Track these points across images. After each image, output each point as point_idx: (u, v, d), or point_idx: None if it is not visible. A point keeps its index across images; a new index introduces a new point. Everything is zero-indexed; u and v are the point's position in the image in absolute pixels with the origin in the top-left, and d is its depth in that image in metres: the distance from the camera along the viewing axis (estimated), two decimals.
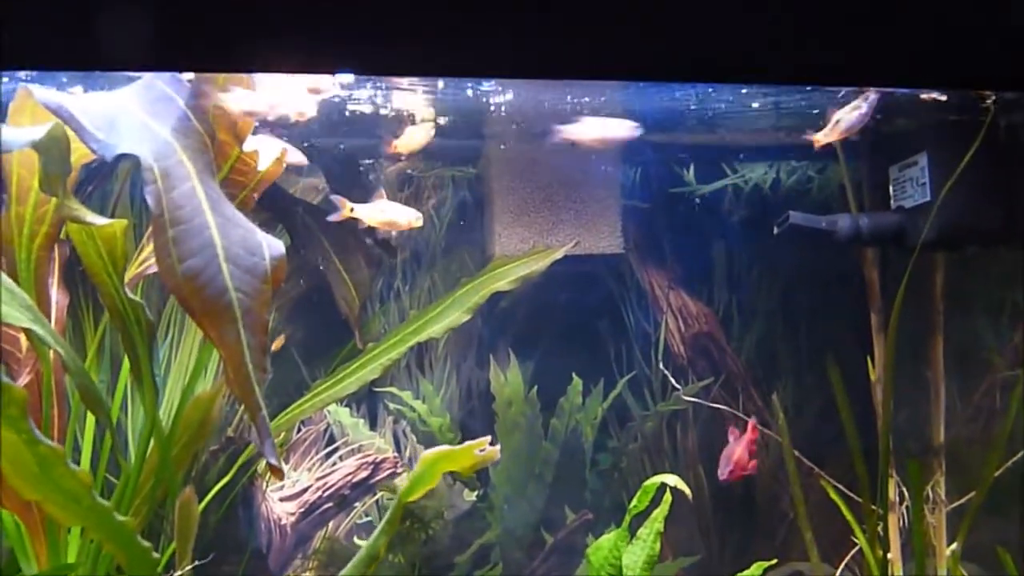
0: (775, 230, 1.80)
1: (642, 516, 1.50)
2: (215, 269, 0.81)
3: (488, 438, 1.12)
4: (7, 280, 1.10)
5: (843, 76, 1.03)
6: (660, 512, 1.49)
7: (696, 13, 0.92)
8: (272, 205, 1.92)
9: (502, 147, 2.00)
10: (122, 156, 0.90)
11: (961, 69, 1.02)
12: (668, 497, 1.49)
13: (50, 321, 1.51)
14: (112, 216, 1.92)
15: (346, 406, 2.11)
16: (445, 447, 1.13)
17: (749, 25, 0.95)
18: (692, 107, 1.75)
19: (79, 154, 1.21)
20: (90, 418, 1.60)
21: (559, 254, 1.71)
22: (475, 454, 1.11)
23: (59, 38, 0.82)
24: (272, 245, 0.86)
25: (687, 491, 1.46)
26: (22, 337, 1.48)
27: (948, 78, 1.07)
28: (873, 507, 1.87)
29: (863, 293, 1.99)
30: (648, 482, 1.46)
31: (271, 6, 0.84)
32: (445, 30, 0.86)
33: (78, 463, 1.63)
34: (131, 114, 0.99)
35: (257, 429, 0.81)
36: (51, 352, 1.38)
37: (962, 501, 2.00)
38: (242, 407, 2.08)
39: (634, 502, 1.46)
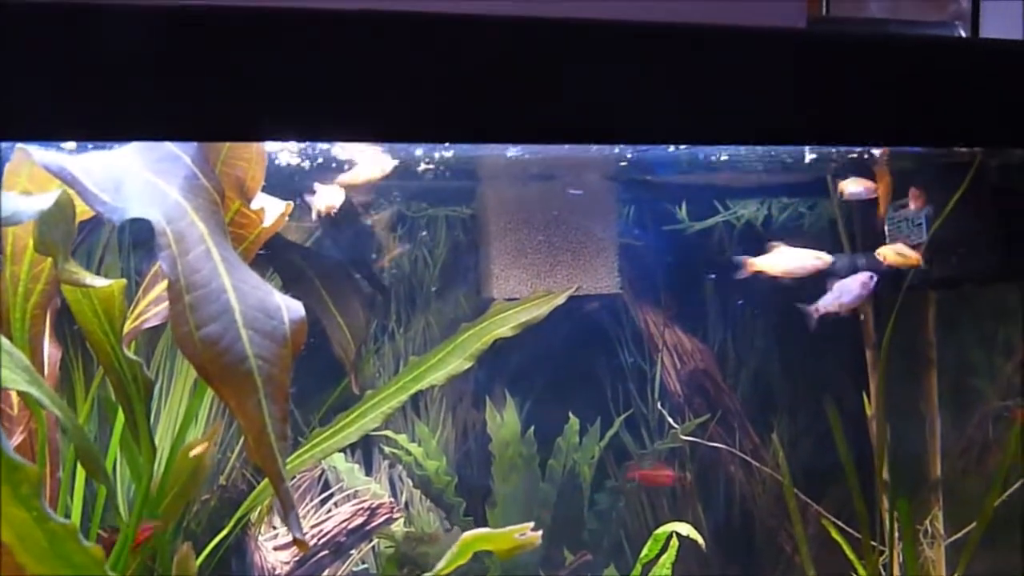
0: None
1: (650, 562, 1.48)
2: (234, 335, 0.79)
3: (531, 524, 1.10)
4: (5, 342, 1.08)
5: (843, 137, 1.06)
6: (667, 558, 1.47)
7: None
8: (264, 248, 1.89)
9: (499, 187, 2.00)
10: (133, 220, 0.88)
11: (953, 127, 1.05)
12: (675, 543, 1.48)
13: (44, 377, 1.48)
14: (100, 264, 1.90)
15: (340, 451, 2.08)
16: (485, 530, 1.12)
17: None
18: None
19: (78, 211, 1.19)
20: (80, 474, 1.57)
21: (561, 299, 1.71)
22: (514, 538, 1.10)
23: (56, 107, 0.81)
24: (291, 307, 0.85)
25: (700, 540, 1.45)
26: (14, 394, 1.44)
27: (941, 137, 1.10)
28: (872, 543, 1.87)
29: (858, 329, 2.01)
30: (659, 530, 1.45)
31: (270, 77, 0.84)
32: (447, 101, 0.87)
33: (69, 517, 1.60)
34: (136, 174, 0.97)
35: (280, 500, 0.79)
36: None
37: (960, 535, 2.01)
38: (233, 455, 2.05)
39: (645, 551, 1.44)
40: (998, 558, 1.92)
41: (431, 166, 1.91)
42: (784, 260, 1.78)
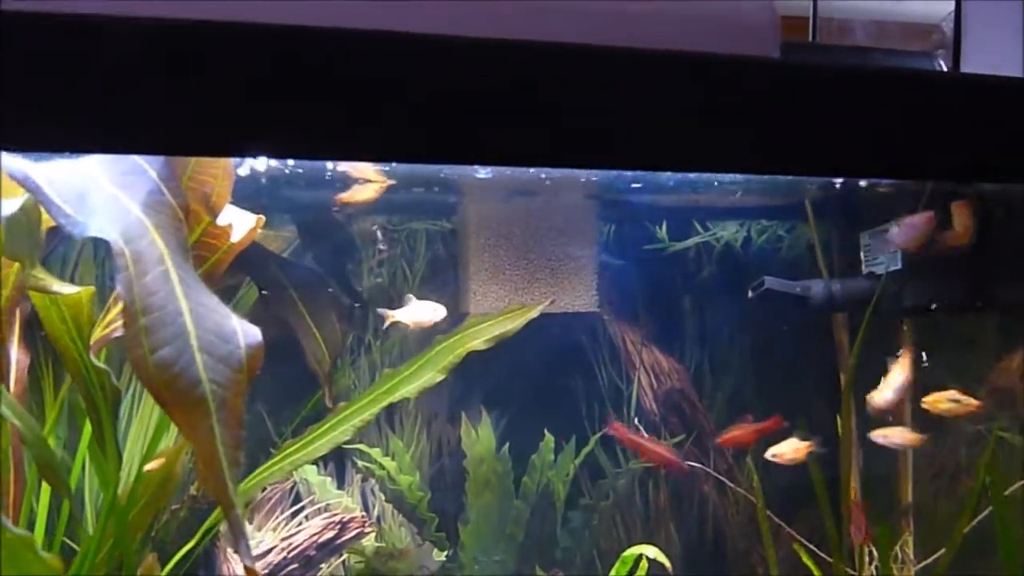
0: (750, 294, 1.82)
1: None
2: (188, 359, 0.78)
3: None
4: None
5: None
6: None
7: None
8: (241, 256, 1.88)
9: (479, 204, 2.00)
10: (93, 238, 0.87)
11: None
12: (645, 564, 1.48)
13: (10, 384, 1.47)
14: (74, 273, 1.89)
15: (313, 463, 2.06)
16: None
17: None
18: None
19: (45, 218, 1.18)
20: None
21: (535, 312, 1.71)
22: None
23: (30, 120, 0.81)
24: (248, 332, 0.84)
25: (667, 563, 1.45)
26: None
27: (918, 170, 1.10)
28: (843, 567, 1.88)
29: (834, 353, 2.02)
30: (627, 552, 1.44)
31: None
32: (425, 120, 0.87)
33: (33, 527, 1.58)
34: (100, 187, 0.96)
35: (231, 527, 0.78)
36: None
37: (930, 560, 2.02)
38: None
39: (612, 572, 1.44)
40: None
41: (413, 181, 1.91)
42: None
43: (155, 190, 0.95)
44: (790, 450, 1.78)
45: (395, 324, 1.93)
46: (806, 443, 1.77)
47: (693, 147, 0.99)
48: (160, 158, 1.02)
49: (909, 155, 1.09)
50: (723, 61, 0.94)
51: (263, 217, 1.30)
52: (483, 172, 1.60)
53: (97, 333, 1.47)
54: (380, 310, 1.94)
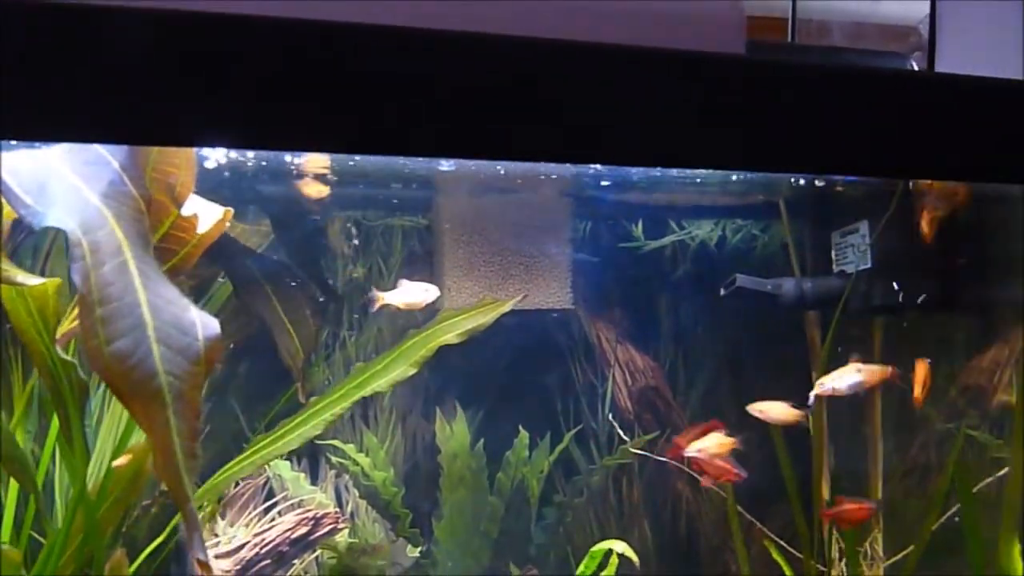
0: (722, 291, 1.83)
1: None
2: (145, 351, 0.77)
3: None
4: None
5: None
6: (606, 575, 1.48)
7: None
8: (215, 252, 1.87)
9: (454, 198, 2.00)
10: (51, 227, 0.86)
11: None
12: (615, 560, 1.48)
13: None
14: (44, 264, 1.87)
15: (286, 459, 2.06)
16: None
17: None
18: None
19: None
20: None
21: (507, 307, 1.70)
22: None
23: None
24: (207, 324, 0.83)
25: (634, 558, 1.45)
26: None
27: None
28: (813, 563, 1.89)
29: (806, 351, 2.03)
30: (595, 548, 1.45)
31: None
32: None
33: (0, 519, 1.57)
34: (62, 177, 0.95)
35: (185, 520, 0.77)
36: None
37: (898, 557, 2.04)
38: None
39: (581, 568, 1.44)
40: None
41: (389, 176, 1.90)
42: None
43: (116, 180, 0.94)
44: (714, 445, 1.78)
45: (381, 309, 1.88)
46: (730, 439, 1.77)
47: (682, 143, 0.99)
48: (124, 148, 1.01)
49: (890, 154, 1.09)
50: (718, 60, 0.94)
51: (231, 209, 1.30)
52: (446, 164, 1.60)
53: (65, 326, 1.46)
54: (373, 290, 1.89)
